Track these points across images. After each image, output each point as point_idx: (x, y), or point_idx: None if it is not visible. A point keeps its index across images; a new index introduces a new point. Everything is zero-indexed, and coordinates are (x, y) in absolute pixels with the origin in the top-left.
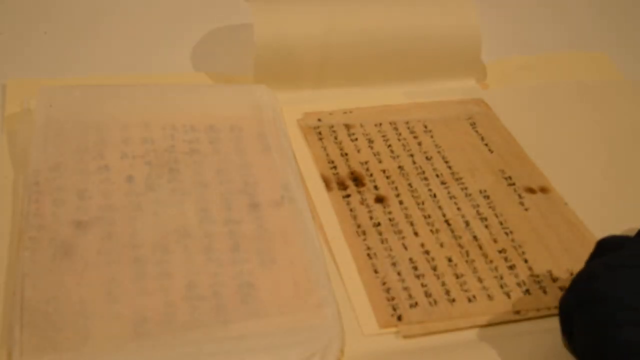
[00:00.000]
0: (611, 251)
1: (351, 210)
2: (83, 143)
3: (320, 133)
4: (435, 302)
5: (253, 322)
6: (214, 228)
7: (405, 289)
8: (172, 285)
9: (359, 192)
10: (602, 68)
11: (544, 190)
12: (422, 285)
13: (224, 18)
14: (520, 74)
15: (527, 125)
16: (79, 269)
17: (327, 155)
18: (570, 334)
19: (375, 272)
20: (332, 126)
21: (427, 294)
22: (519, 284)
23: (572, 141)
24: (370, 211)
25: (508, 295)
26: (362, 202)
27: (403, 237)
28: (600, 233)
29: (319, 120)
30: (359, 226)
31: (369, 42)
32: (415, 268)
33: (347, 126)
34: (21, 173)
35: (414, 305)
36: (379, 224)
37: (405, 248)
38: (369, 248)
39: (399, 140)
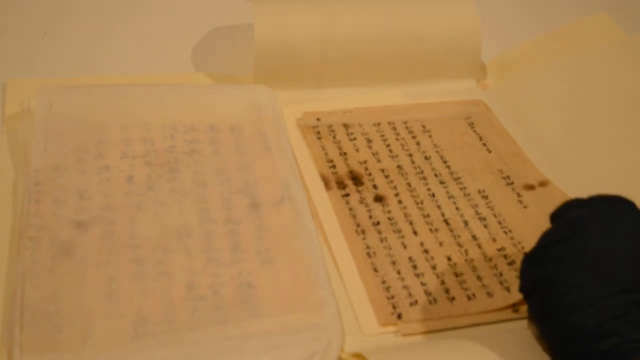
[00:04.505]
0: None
1: (350, 209)
2: (83, 143)
3: (318, 132)
4: (435, 300)
5: (253, 322)
6: (214, 228)
7: (405, 287)
8: (172, 285)
9: (358, 192)
10: (605, 29)
11: (543, 184)
12: (422, 283)
13: (224, 18)
14: (522, 63)
15: (526, 123)
16: (79, 269)
17: (326, 154)
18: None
19: (375, 270)
20: (331, 125)
21: (427, 292)
22: (518, 279)
23: (572, 138)
24: (369, 210)
25: (508, 289)
26: (361, 201)
27: (402, 236)
28: None
29: (318, 119)
30: (358, 225)
31: (369, 43)
32: (415, 267)
33: (346, 125)
34: (21, 173)
35: (414, 303)
36: (378, 223)
37: (405, 247)
38: (368, 247)
39: (397, 139)
